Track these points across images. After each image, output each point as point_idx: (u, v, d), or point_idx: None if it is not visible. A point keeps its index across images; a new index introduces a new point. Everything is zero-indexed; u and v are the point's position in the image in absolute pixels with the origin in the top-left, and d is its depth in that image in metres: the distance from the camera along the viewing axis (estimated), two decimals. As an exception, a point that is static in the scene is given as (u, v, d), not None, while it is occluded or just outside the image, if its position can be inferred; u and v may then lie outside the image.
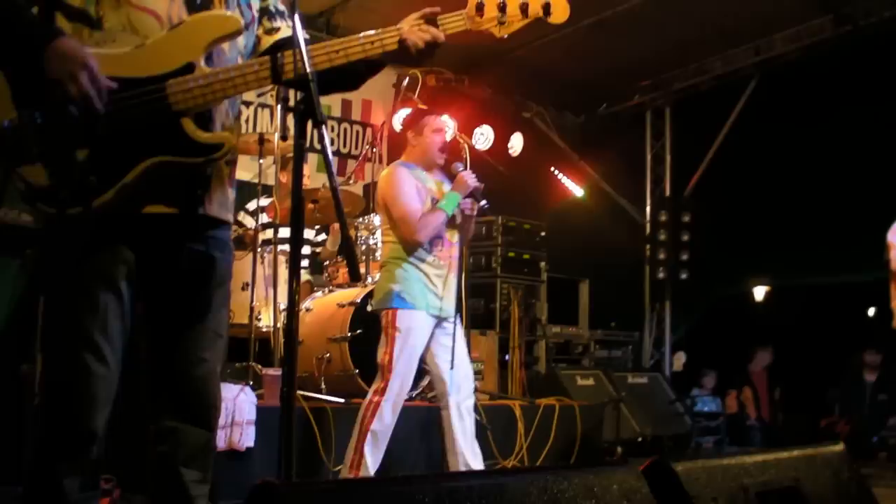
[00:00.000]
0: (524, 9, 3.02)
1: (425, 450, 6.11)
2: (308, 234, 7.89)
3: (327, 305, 6.80)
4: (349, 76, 3.00)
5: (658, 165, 12.46)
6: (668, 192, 12.28)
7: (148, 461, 2.86)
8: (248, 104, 8.74)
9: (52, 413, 2.70)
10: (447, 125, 5.53)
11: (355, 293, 6.63)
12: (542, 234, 9.94)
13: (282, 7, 3.06)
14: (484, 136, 10.41)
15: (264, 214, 7.08)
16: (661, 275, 11.72)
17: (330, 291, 7.06)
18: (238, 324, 6.30)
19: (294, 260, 2.47)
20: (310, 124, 2.49)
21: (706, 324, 13.04)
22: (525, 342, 9.37)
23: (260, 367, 6.24)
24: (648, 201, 12.33)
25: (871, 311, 14.01)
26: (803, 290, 13.89)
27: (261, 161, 6.78)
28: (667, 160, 12.39)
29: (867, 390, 10.72)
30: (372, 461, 5.14)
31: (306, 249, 7.83)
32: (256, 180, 6.67)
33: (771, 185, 10.98)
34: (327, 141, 2.50)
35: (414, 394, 6.40)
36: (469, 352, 5.70)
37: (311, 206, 6.91)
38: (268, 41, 2.97)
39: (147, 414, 2.86)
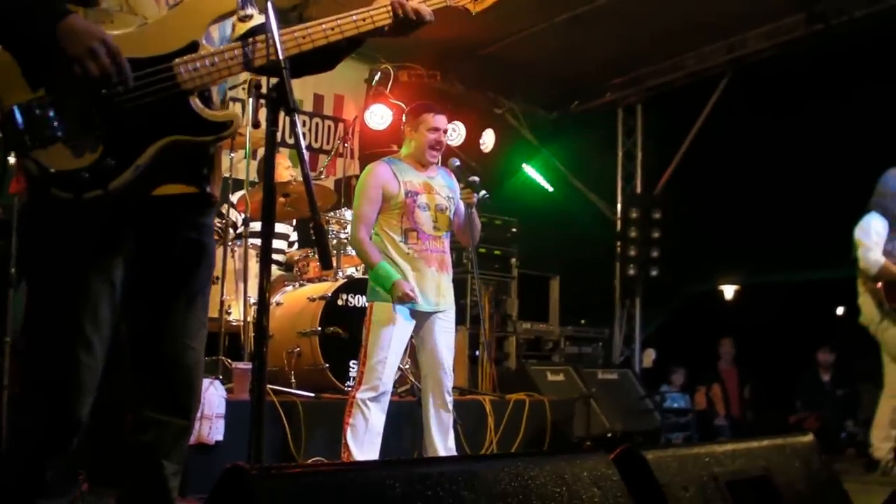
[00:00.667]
0: None
1: (395, 445, 6.09)
2: (286, 229, 7.86)
3: (298, 299, 6.78)
4: (329, 54, 2.98)
5: (629, 162, 12.51)
6: (639, 189, 12.33)
7: (124, 452, 2.82)
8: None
9: (38, 403, 2.65)
10: (443, 125, 5.51)
11: (326, 287, 6.62)
12: (514, 230, 9.94)
13: None
14: (456, 132, 10.40)
15: (233, 210, 7.06)
16: (631, 271, 11.77)
17: (301, 286, 7.04)
18: (208, 317, 6.26)
19: (265, 249, 2.46)
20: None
21: (676, 321, 13.09)
22: (495, 338, 9.37)
23: (230, 361, 6.21)
24: (619, 198, 12.37)
25: (840, 311, 14.11)
26: (773, 288, 13.97)
27: (232, 155, 6.74)
28: (638, 157, 12.44)
29: (825, 387, 10.80)
30: (358, 453, 5.12)
31: (281, 244, 7.80)
32: (228, 174, 6.63)
33: (742, 183, 11.03)
34: (299, 129, 2.49)
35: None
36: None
37: (282, 199, 6.88)
38: (242, 28, 2.95)
39: (127, 403, 2.82)
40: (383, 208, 5.35)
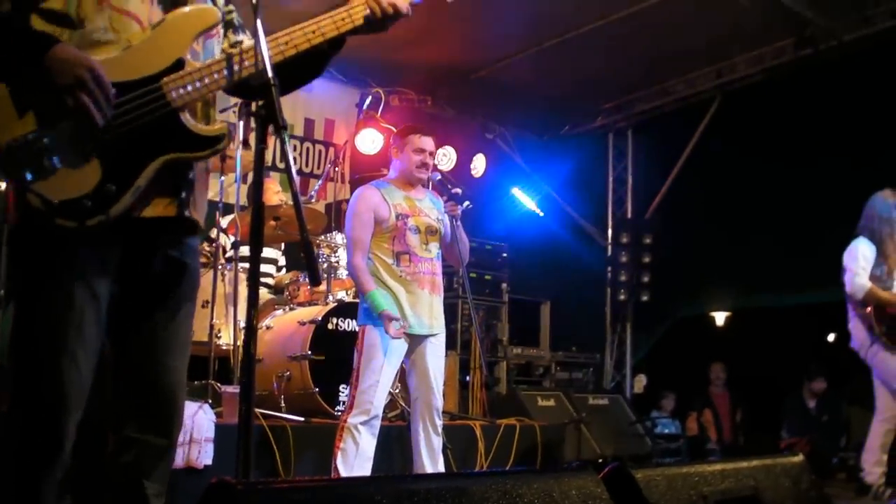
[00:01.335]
0: None
1: (385, 469, 6.06)
2: (275, 254, 7.85)
3: (288, 323, 6.76)
4: (313, 59, 2.97)
5: (620, 187, 12.53)
6: (629, 214, 12.34)
7: (107, 472, 2.81)
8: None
9: (25, 418, 2.64)
10: (429, 146, 5.51)
11: (316, 311, 6.60)
12: (504, 254, 9.93)
13: (239, 21, 3.07)
14: (447, 157, 10.44)
15: (223, 234, 7.06)
16: (622, 296, 11.76)
17: (291, 309, 7.03)
18: (198, 342, 6.25)
19: (253, 271, 2.45)
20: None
21: (666, 346, 13.08)
22: (486, 363, 9.36)
23: (219, 385, 6.19)
24: (610, 223, 12.38)
25: (831, 337, 14.12)
26: (764, 312, 13.96)
27: (222, 178, 6.75)
28: (628, 181, 12.46)
29: (811, 413, 10.80)
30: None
31: (270, 268, 7.79)
32: (217, 198, 6.63)
33: (733, 207, 11.03)
34: (288, 146, 2.49)
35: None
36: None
37: (272, 223, 6.88)
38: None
39: (109, 423, 2.81)
40: (375, 231, 5.34)
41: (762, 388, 12.24)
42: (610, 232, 12.30)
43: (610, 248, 12.18)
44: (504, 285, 9.92)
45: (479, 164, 10.90)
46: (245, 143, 6.67)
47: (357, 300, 5.62)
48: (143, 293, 2.81)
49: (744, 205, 10.99)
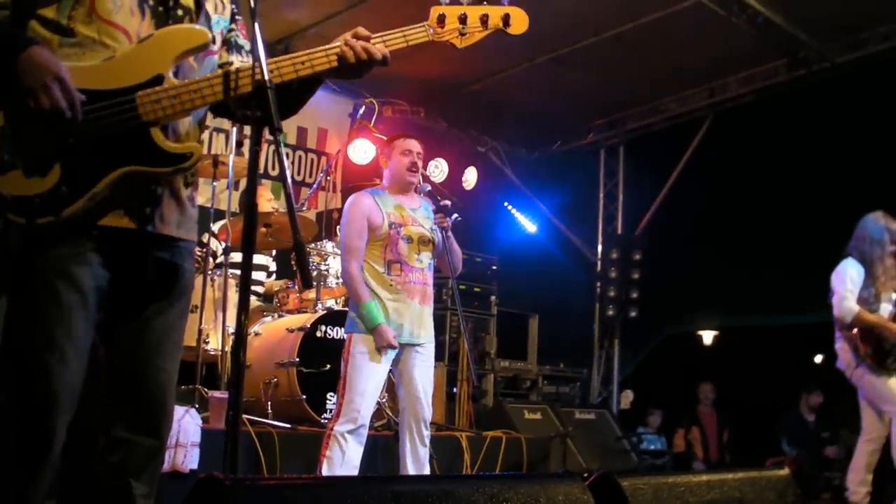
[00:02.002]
0: (484, 20, 3.00)
1: (371, 478, 6.06)
2: (265, 260, 7.85)
3: (276, 330, 6.76)
4: (284, 96, 2.95)
5: (610, 203, 12.58)
6: (619, 230, 12.38)
7: (95, 473, 2.80)
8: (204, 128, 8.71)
9: (13, 413, 2.63)
10: (415, 147, 5.53)
11: (305, 318, 6.60)
12: (494, 267, 9.95)
13: (241, 41, 3.08)
14: (438, 169, 10.47)
15: (214, 239, 7.05)
16: (610, 312, 11.79)
17: (280, 316, 7.02)
18: (185, 346, 6.21)
19: (245, 274, 2.45)
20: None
21: (653, 362, 13.09)
22: (474, 375, 9.35)
23: (206, 390, 6.18)
24: (600, 238, 12.43)
25: (819, 358, 14.14)
26: (751, 332, 13.99)
27: (214, 184, 6.75)
28: (619, 198, 12.51)
29: (809, 428, 10.84)
30: None
31: (260, 275, 7.79)
32: (209, 203, 6.63)
33: (722, 225, 11.07)
34: (282, 150, 2.50)
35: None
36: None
37: (263, 230, 6.88)
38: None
39: (100, 423, 2.81)
40: (368, 239, 5.35)
41: (748, 408, 12.26)
42: (600, 248, 12.35)
43: (599, 263, 12.23)
44: (493, 298, 9.93)
45: (470, 177, 10.93)
46: (239, 146, 6.68)
47: (346, 308, 5.61)
48: (134, 293, 2.81)
49: (733, 223, 11.02)
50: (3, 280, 2.74)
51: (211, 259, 6.98)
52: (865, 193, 7.82)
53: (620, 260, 11.74)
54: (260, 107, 2.50)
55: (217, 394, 5.90)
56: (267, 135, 2.54)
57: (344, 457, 5.10)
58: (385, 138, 6.50)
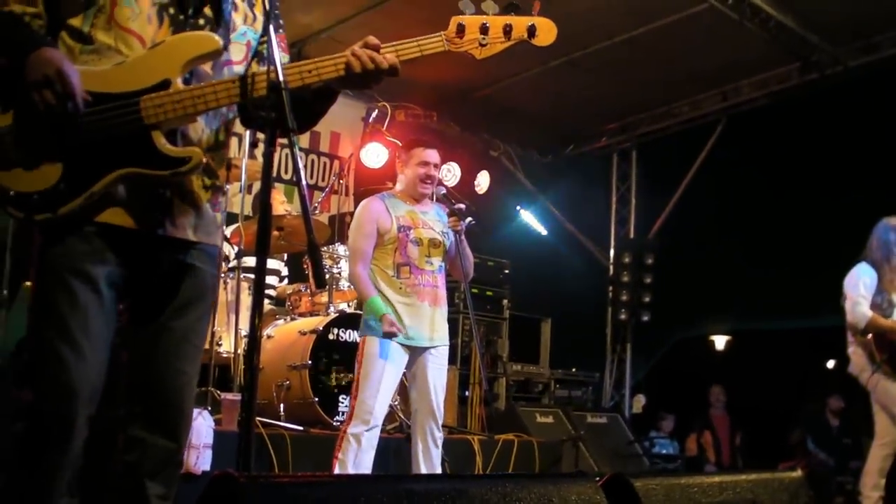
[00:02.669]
0: (507, 31, 2.85)
1: (383, 480, 6.06)
2: (277, 265, 7.86)
3: (289, 333, 6.77)
4: (299, 108, 2.92)
5: (623, 207, 12.57)
6: (632, 234, 12.38)
7: (112, 472, 2.82)
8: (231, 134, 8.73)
9: (34, 404, 2.64)
10: (433, 159, 5.52)
11: (317, 321, 6.61)
12: (506, 271, 9.95)
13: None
14: (451, 173, 10.47)
15: (226, 243, 7.06)
16: (622, 316, 11.77)
17: (292, 319, 7.03)
18: (203, 346, 6.24)
19: (259, 274, 2.45)
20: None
21: (666, 366, 13.08)
22: (486, 378, 9.35)
23: (219, 392, 6.19)
24: (612, 243, 12.42)
25: (831, 364, 14.11)
26: (764, 336, 13.97)
27: (227, 187, 6.75)
28: (632, 202, 12.51)
29: (833, 432, 10.82)
30: None
31: (272, 279, 7.80)
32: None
33: (735, 230, 11.06)
34: (297, 150, 2.50)
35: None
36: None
37: (276, 233, 6.88)
38: None
39: (120, 423, 2.82)
40: (377, 243, 5.36)
41: (760, 413, 12.24)
42: (612, 251, 12.34)
43: (612, 267, 12.21)
44: (505, 301, 9.93)
45: (482, 181, 10.93)
46: (253, 147, 6.69)
47: (359, 311, 5.62)
48: (152, 295, 2.83)
49: (746, 228, 11.01)
50: (15, 281, 2.78)
51: (223, 263, 6.99)
52: (879, 197, 7.78)
53: (633, 264, 11.73)
54: (274, 108, 2.51)
55: (230, 396, 5.91)
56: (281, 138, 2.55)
57: (357, 458, 5.12)
58: (399, 143, 6.50)
